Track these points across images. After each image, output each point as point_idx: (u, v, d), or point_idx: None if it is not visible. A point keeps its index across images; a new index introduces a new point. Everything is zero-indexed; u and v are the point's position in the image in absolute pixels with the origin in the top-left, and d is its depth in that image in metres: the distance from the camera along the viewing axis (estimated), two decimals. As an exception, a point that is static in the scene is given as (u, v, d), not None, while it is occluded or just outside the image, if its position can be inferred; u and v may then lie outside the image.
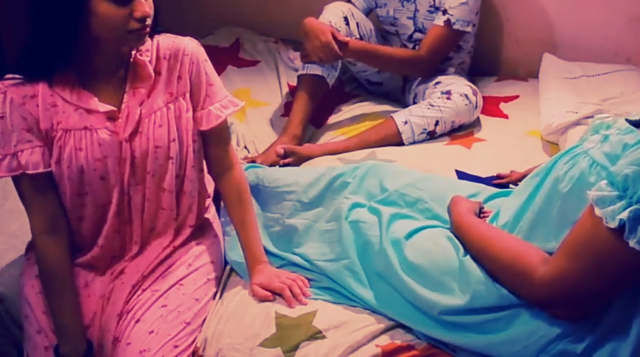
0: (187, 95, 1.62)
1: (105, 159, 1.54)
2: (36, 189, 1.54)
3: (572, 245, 1.27)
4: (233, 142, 2.31)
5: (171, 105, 1.59)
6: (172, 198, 1.64)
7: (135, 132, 1.56)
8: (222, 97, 1.67)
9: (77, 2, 1.39)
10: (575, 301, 1.30)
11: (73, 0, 1.39)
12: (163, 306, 1.58)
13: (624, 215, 1.17)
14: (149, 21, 1.46)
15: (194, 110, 1.64)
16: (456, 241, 1.55)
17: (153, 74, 1.57)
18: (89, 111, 1.52)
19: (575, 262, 1.26)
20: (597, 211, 1.21)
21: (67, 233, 1.60)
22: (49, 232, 1.56)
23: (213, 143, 1.70)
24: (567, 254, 1.28)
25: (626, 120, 1.36)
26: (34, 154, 1.50)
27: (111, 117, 1.54)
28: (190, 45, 1.63)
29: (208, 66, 1.66)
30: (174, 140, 1.60)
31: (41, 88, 1.50)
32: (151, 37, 1.57)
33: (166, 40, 1.61)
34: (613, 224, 1.18)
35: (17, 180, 1.54)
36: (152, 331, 1.53)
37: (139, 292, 1.61)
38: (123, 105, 1.55)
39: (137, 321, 1.55)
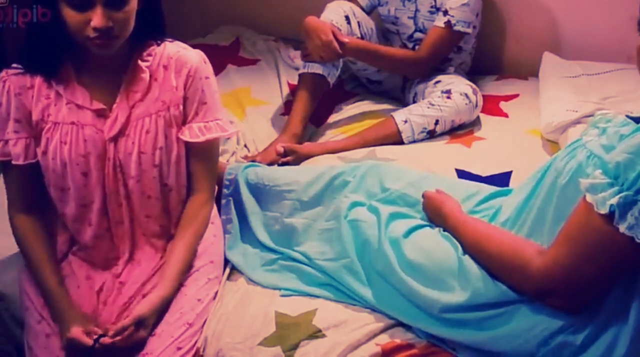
0: (180, 107, 1.60)
1: (88, 156, 1.56)
2: (18, 177, 1.59)
3: (567, 234, 1.29)
4: (233, 140, 2.31)
5: (162, 113, 1.59)
6: (158, 205, 1.64)
7: (121, 134, 1.56)
8: (210, 119, 1.63)
9: (50, 4, 1.45)
10: (572, 290, 1.30)
11: (46, 3, 1.46)
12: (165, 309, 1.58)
13: (614, 201, 1.18)
14: (116, 31, 1.45)
15: (183, 123, 1.63)
16: (454, 239, 1.55)
17: (148, 79, 1.57)
18: (80, 107, 1.55)
19: (569, 250, 1.27)
20: (589, 198, 1.22)
21: (43, 219, 1.63)
22: (25, 213, 1.61)
23: (190, 157, 1.66)
24: (562, 243, 1.29)
25: (627, 116, 1.37)
26: (17, 146, 1.55)
27: (101, 115, 1.56)
28: (194, 59, 1.61)
29: (207, 84, 1.62)
30: (160, 148, 1.59)
31: (38, 80, 1.54)
32: (138, 42, 1.56)
33: (173, 49, 1.61)
34: (604, 210, 1.19)
35: (2, 162, 1.60)
36: (155, 334, 1.52)
37: (139, 297, 1.60)
38: (114, 106, 1.56)
39: None
